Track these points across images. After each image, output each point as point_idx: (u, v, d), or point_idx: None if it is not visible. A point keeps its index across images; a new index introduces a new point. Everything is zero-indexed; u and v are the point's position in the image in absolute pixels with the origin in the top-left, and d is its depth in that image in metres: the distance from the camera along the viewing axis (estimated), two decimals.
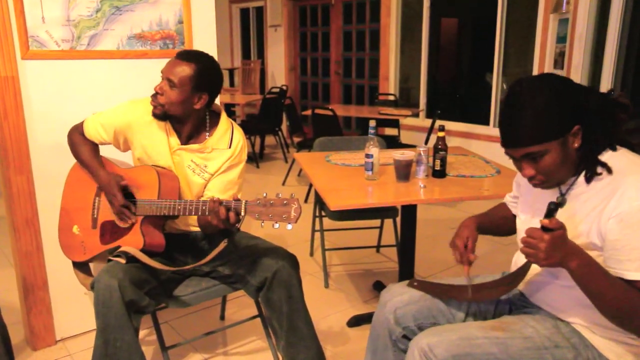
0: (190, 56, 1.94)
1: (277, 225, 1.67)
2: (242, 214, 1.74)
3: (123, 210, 1.94)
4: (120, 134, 2.06)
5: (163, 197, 1.91)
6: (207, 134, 2.06)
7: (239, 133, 2.11)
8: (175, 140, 2.03)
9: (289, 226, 1.66)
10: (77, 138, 2.10)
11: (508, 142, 1.37)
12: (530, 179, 1.40)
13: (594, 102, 1.35)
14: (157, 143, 2.02)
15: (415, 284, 1.69)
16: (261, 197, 1.71)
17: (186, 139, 2.04)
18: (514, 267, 1.64)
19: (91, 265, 2.19)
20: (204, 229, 2.01)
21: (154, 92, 1.94)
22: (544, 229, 1.28)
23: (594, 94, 1.37)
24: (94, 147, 2.11)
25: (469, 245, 1.64)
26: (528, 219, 1.56)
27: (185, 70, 1.91)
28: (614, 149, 1.37)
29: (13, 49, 2.17)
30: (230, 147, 2.07)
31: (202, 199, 1.96)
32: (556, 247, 1.27)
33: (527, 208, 1.59)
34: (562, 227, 1.28)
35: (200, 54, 1.97)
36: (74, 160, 2.17)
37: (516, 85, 1.36)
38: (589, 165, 1.37)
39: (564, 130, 1.32)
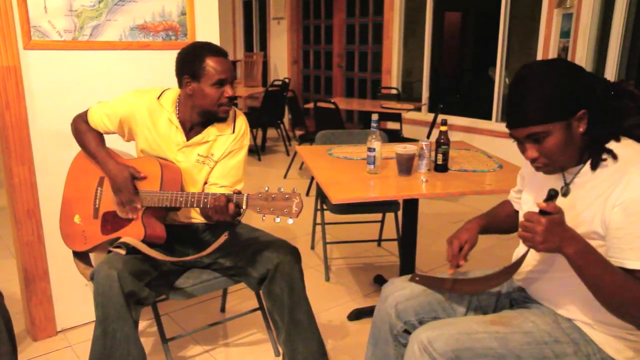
0: (225, 50, 2.00)
1: (278, 220, 1.68)
2: (244, 207, 1.74)
3: (130, 205, 1.94)
4: (125, 124, 2.05)
5: (165, 188, 1.91)
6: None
7: (242, 119, 2.12)
8: (181, 136, 2.03)
9: (290, 220, 1.67)
10: (82, 126, 2.09)
11: (513, 122, 1.37)
12: (533, 161, 1.40)
13: (603, 89, 1.35)
14: (162, 137, 2.02)
15: (417, 278, 1.69)
16: (263, 191, 1.71)
17: (192, 136, 2.04)
18: (515, 257, 1.64)
19: (91, 255, 2.19)
20: (206, 219, 2.02)
21: (230, 98, 1.97)
22: (542, 212, 1.28)
23: (603, 81, 1.37)
24: (100, 136, 2.10)
25: (464, 249, 1.66)
26: (530, 209, 1.55)
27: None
28: (618, 140, 1.36)
29: (15, 38, 2.17)
30: (233, 132, 2.08)
31: (205, 192, 1.96)
32: (553, 232, 1.27)
33: (530, 199, 1.59)
34: (559, 211, 1.28)
35: None
36: (75, 151, 2.17)
37: (524, 68, 1.37)
38: (594, 153, 1.36)
39: (569, 113, 1.31)
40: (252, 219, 2.46)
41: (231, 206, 1.74)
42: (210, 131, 2.04)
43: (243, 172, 2.13)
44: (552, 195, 1.30)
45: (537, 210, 1.30)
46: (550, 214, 1.27)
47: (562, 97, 1.31)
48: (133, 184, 1.94)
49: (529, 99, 1.32)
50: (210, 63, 1.91)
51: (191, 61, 1.93)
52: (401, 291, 1.67)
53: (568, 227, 1.30)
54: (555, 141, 1.33)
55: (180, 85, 1.99)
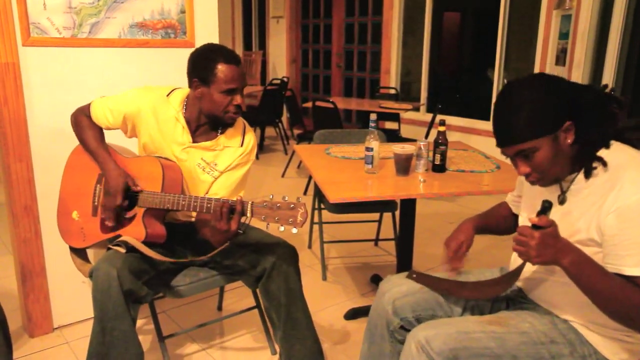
0: (238, 57, 1.96)
1: (282, 229, 1.68)
2: (248, 215, 1.74)
3: (112, 212, 1.93)
4: (129, 121, 2.04)
5: (166, 189, 1.90)
6: (219, 131, 2.05)
7: (251, 134, 2.12)
8: (188, 137, 2.02)
9: (295, 230, 1.67)
10: (83, 120, 2.07)
11: (500, 140, 1.39)
12: (527, 176, 1.41)
13: (587, 98, 1.36)
14: (167, 135, 2.01)
15: (414, 275, 1.70)
16: (268, 199, 1.71)
17: (198, 137, 2.04)
18: (512, 263, 1.64)
19: (88, 251, 2.19)
20: (203, 235, 1.96)
21: (239, 106, 1.94)
22: (534, 226, 1.29)
23: (586, 90, 1.38)
24: (100, 132, 2.08)
25: (461, 251, 1.66)
26: (529, 217, 1.56)
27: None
28: (607, 146, 1.37)
29: (14, 35, 2.16)
30: (241, 146, 2.07)
31: (207, 196, 1.95)
32: (547, 245, 1.28)
33: (529, 206, 1.59)
34: (552, 224, 1.29)
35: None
36: (73, 148, 2.16)
37: (506, 86, 1.39)
38: (586, 161, 1.37)
39: (554, 126, 1.32)
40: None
41: (233, 224, 1.74)
42: (220, 141, 2.04)
43: (244, 184, 2.14)
44: (545, 207, 1.31)
45: (534, 217, 1.31)
46: (543, 227, 1.28)
47: (545, 112, 1.32)
48: (123, 194, 1.92)
49: (513, 117, 1.33)
50: (222, 69, 1.87)
51: (202, 65, 1.90)
52: (398, 287, 1.67)
53: (562, 239, 1.30)
54: (545, 155, 1.34)
55: (190, 86, 1.97)
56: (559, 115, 1.32)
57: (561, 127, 1.33)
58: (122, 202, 1.92)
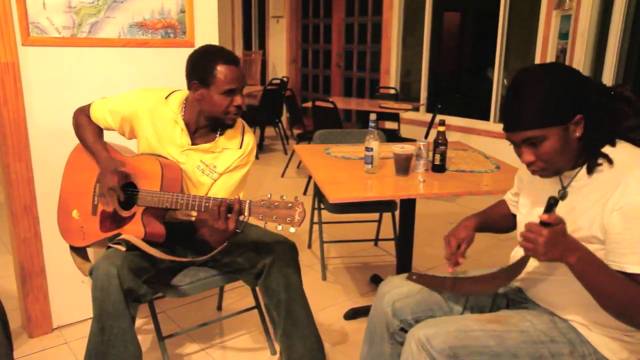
0: (237, 58, 1.96)
1: (280, 228, 1.68)
2: (246, 214, 1.74)
3: (110, 194, 1.91)
4: (127, 123, 2.05)
5: (165, 188, 1.90)
6: (218, 132, 2.05)
7: (250, 135, 2.12)
8: (186, 139, 2.02)
9: (292, 229, 1.67)
10: (83, 120, 2.09)
11: (509, 125, 1.37)
12: (529, 165, 1.40)
13: (599, 94, 1.36)
14: (165, 137, 2.01)
15: (414, 277, 1.69)
16: (265, 198, 1.71)
17: (197, 139, 2.04)
18: (512, 260, 1.64)
19: (88, 250, 2.19)
20: (200, 227, 1.98)
21: (239, 107, 1.94)
22: (543, 223, 1.28)
23: (599, 86, 1.38)
24: (99, 130, 2.09)
25: (462, 247, 1.65)
26: (529, 214, 1.56)
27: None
28: (613, 144, 1.37)
29: (14, 35, 2.16)
30: (240, 148, 2.07)
31: (205, 196, 1.95)
32: (555, 242, 1.27)
33: (528, 203, 1.59)
34: (561, 222, 1.28)
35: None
36: (73, 147, 2.16)
37: (522, 72, 1.37)
38: (590, 157, 1.37)
39: (565, 117, 1.32)
40: None
41: (231, 223, 1.74)
42: (219, 142, 2.04)
43: (244, 185, 2.14)
44: (551, 204, 1.30)
45: (536, 216, 1.30)
46: (552, 225, 1.28)
47: (558, 102, 1.31)
48: (115, 173, 1.91)
49: (525, 103, 1.32)
50: (221, 70, 1.88)
51: (202, 66, 1.90)
52: (398, 289, 1.67)
53: (569, 237, 1.30)
54: (552, 146, 1.33)
55: (189, 88, 1.97)
56: (572, 108, 1.32)
57: (572, 120, 1.32)
58: (119, 186, 1.90)
